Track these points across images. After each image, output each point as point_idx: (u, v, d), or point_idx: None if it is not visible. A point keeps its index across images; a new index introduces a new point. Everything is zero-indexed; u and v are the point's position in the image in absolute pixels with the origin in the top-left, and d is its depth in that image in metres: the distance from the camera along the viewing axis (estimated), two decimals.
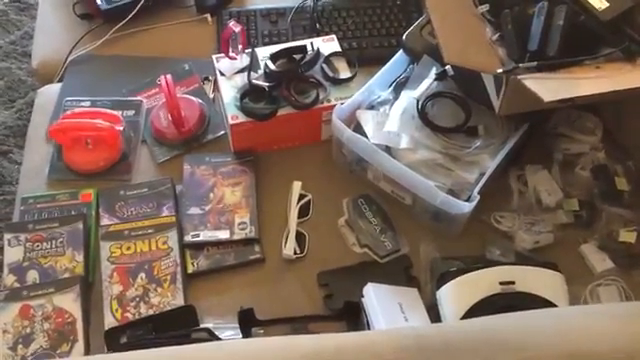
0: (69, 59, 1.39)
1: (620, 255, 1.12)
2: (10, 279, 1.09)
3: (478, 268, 1.03)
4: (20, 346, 1.03)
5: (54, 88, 1.37)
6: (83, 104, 1.30)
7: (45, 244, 1.12)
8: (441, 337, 0.76)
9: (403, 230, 1.17)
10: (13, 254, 1.11)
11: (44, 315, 1.05)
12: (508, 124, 1.16)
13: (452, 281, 1.01)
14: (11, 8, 2.08)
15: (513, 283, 1.00)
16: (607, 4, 1.05)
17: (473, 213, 1.08)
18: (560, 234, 1.14)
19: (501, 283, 1.00)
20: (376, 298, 1.03)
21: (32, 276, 1.10)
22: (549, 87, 0.95)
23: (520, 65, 1.01)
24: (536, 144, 1.22)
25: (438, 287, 1.03)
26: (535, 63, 1.01)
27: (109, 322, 1.07)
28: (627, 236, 1.12)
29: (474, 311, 0.98)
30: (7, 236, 1.13)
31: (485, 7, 1.10)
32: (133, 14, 1.39)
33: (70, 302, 1.06)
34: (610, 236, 1.13)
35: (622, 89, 0.94)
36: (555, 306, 0.99)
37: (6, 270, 1.10)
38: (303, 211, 1.20)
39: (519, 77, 0.99)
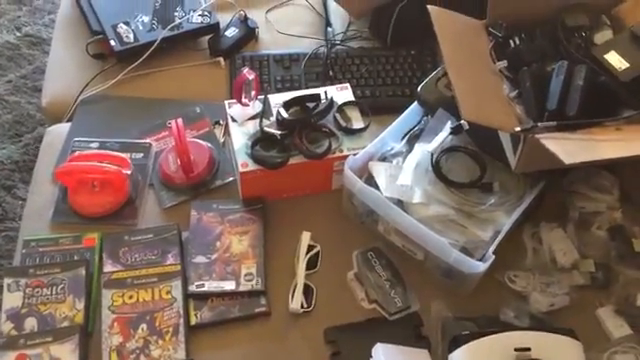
0: (80, 99, 1.38)
1: (638, 321, 1.09)
2: (7, 326, 1.06)
3: (492, 332, 0.99)
4: None
5: (63, 128, 1.36)
6: (91, 145, 1.28)
7: (45, 290, 1.09)
8: None
9: (414, 286, 1.14)
10: (12, 300, 1.08)
11: None
12: (524, 181, 1.13)
13: (465, 346, 0.97)
14: (23, 42, 2.09)
15: (529, 350, 0.96)
16: (627, 64, 1.04)
17: (486, 271, 1.05)
18: (576, 296, 1.11)
19: (516, 349, 0.96)
20: (385, 359, 0.99)
21: (30, 324, 1.07)
22: (569, 149, 0.93)
23: (539, 124, 1.00)
24: (552, 200, 1.19)
25: (450, 351, 0.99)
26: (554, 123, 0.99)
27: None
28: None
29: None
30: (7, 281, 1.10)
31: (503, 63, 1.10)
32: (146, 56, 1.38)
33: (68, 353, 1.03)
34: (627, 300, 1.10)
35: None
36: None
37: (4, 317, 1.07)
38: (311, 263, 1.17)
39: (537, 136, 0.97)
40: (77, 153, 1.26)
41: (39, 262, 1.14)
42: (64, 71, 1.45)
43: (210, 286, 1.12)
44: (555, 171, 1.12)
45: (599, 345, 1.06)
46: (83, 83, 1.39)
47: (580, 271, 1.14)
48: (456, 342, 0.99)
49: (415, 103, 1.24)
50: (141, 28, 1.41)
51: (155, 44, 1.38)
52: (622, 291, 1.11)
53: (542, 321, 1.07)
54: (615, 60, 1.05)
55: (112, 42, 1.38)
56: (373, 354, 1.01)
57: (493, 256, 1.03)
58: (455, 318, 1.08)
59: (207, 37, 1.47)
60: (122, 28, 1.40)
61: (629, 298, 1.10)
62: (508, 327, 1.03)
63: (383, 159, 1.19)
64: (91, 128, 1.33)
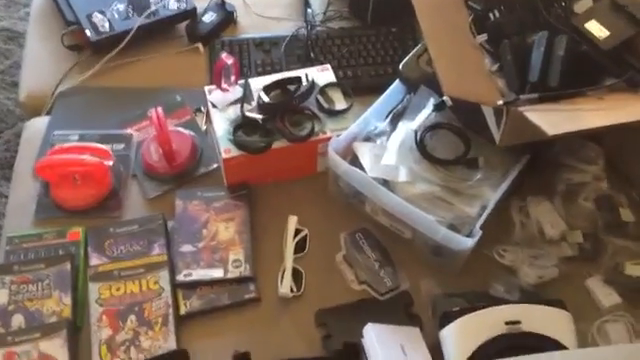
0: (57, 91, 1.36)
1: (627, 289, 1.09)
2: None
3: (482, 307, 0.99)
4: None
5: (42, 121, 1.34)
6: (71, 138, 1.26)
7: (31, 286, 1.08)
8: None
9: (403, 265, 1.14)
10: None
11: None
12: (509, 155, 1.13)
13: (456, 321, 0.97)
14: None
15: (519, 323, 0.96)
16: (608, 33, 1.03)
17: (475, 247, 1.05)
18: (565, 268, 1.11)
19: (507, 323, 0.96)
20: (377, 339, 0.99)
21: (17, 320, 1.05)
22: (552, 120, 0.92)
23: (521, 97, 0.99)
24: (538, 173, 1.19)
25: (441, 327, 0.99)
26: (536, 95, 0.98)
27: None
28: (633, 269, 1.09)
29: (480, 352, 0.94)
30: None
31: (483, 37, 1.09)
32: (123, 45, 1.36)
33: (57, 348, 1.01)
34: (616, 269, 1.10)
35: (627, 122, 0.91)
36: (563, 346, 0.95)
37: None
38: (299, 247, 1.16)
39: (520, 109, 0.97)
40: (57, 146, 1.24)
41: (23, 258, 1.12)
42: (40, 64, 1.42)
43: (198, 275, 1.11)
44: (540, 144, 1.11)
45: (589, 315, 1.07)
46: (60, 75, 1.37)
47: (568, 242, 1.14)
48: (447, 318, 0.99)
49: (397, 81, 1.23)
50: (116, 17, 1.38)
51: (132, 32, 1.36)
52: (610, 260, 1.12)
53: (532, 294, 1.07)
54: (596, 29, 1.04)
55: (87, 32, 1.36)
56: (364, 335, 1.00)
57: (480, 231, 1.03)
58: (445, 295, 1.08)
59: (184, 23, 1.44)
60: (97, 17, 1.38)
61: (617, 267, 1.10)
62: (498, 301, 1.03)
63: (367, 139, 1.18)
64: (70, 120, 1.31)
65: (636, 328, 1.05)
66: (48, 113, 1.36)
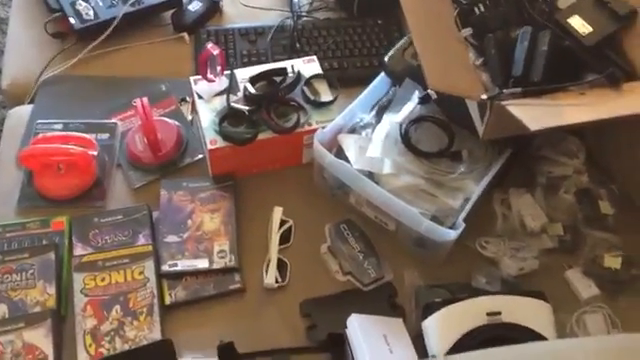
0: (41, 79, 1.35)
1: (605, 281, 1.11)
2: None
3: (464, 298, 1.01)
4: None
5: (25, 109, 1.33)
6: (55, 127, 1.25)
7: (15, 276, 1.08)
8: None
9: (387, 256, 1.15)
10: None
11: (14, 352, 1.00)
12: (492, 148, 1.14)
13: (438, 312, 0.99)
14: None
15: (500, 314, 0.98)
16: (591, 29, 1.05)
17: (457, 238, 1.06)
18: (545, 259, 1.13)
19: (488, 314, 0.98)
20: (360, 330, 1.00)
21: (1, 310, 1.05)
22: (534, 115, 0.93)
23: (504, 91, 1.00)
24: (519, 166, 1.21)
25: (424, 317, 1.01)
26: (520, 89, 1.00)
27: (82, 358, 1.02)
28: (612, 262, 1.11)
29: (461, 343, 0.96)
30: None
31: (468, 31, 1.09)
32: (108, 33, 1.35)
33: (41, 337, 1.01)
34: (595, 261, 1.12)
35: (607, 117, 0.93)
36: (542, 337, 0.97)
37: None
38: (284, 238, 1.16)
39: (503, 103, 0.98)
40: (40, 135, 1.23)
41: (7, 248, 1.11)
42: (23, 51, 1.41)
43: (183, 265, 1.11)
44: (523, 137, 1.12)
45: (569, 306, 1.09)
46: (43, 63, 1.35)
47: (549, 235, 1.15)
48: (429, 309, 1.00)
49: (382, 74, 1.24)
50: (101, 4, 1.37)
51: (116, 21, 1.35)
52: (590, 253, 1.14)
53: (513, 285, 1.09)
54: (579, 24, 1.05)
55: (71, 20, 1.35)
56: (348, 325, 1.01)
57: (463, 224, 1.04)
58: (428, 286, 1.09)
59: (170, 12, 1.44)
60: (81, 5, 1.36)
61: (596, 259, 1.12)
62: (480, 293, 1.05)
63: (352, 131, 1.19)
64: (54, 109, 1.30)
65: (613, 319, 1.07)
66: (31, 101, 1.34)
